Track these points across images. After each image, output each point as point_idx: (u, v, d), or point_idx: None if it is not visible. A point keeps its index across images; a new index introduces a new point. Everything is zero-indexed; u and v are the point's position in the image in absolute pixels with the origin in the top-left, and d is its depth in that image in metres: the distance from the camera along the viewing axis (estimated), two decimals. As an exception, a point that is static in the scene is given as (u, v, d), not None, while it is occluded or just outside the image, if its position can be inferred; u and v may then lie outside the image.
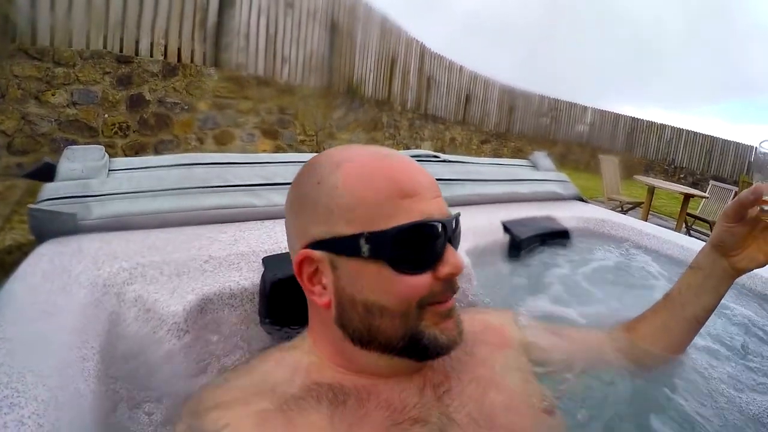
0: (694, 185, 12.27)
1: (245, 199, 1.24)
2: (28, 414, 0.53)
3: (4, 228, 2.99)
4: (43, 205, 1.02)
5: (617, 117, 15.87)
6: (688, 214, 6.57)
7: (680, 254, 1.58)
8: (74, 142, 4.51)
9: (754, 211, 0.73)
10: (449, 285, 0.66)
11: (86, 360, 0.68)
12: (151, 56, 5.37)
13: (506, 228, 1.49)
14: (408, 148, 6.12)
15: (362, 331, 0.66)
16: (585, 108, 15.57)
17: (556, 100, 15.11)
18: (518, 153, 12.94)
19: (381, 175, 0.65)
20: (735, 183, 10.94)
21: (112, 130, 5.04)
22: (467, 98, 12.27)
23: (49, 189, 1.07)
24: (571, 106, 15.33)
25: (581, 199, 2.07)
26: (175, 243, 1.01)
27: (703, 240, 0.94)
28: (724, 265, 0.79)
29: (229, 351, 0.87)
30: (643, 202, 6.75)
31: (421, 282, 0.63)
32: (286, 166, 1.39)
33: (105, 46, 4.98)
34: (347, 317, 0.67)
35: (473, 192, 1.73)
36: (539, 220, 1.62)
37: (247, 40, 6.31)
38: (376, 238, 0.62)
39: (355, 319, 0.66)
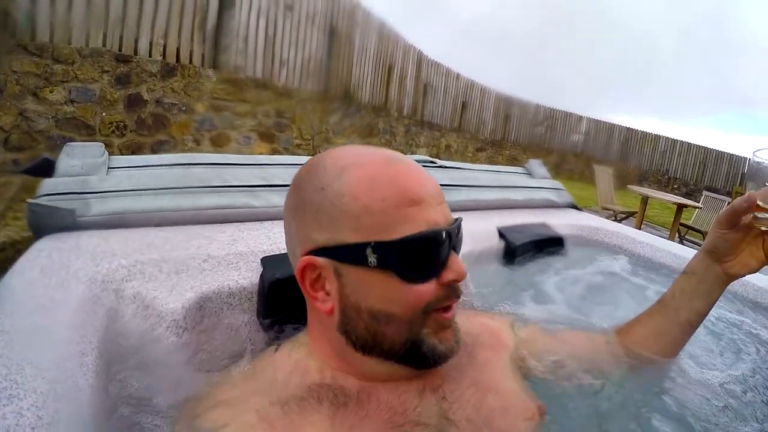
0: (687, 196, 12.34)
1: (244, 199, 1.24)
2: (26, 406, 0.53)
3: (-2, 224, 2.98)
4: (42, 200, 1.02)
5: (612, 127, 15.97)
6: (682, 224, 6.61)
7: (673, 262, 1.60)
8: (71, 140, 4.48)
9: (747, 218, 0.74)
10: (453, 290, 0.67)
11: (85, 355, 0.68)
12: (150, 56, 5.36)
13: (501, 234, 1.51)
14: (404, 155, 6.11)
15: (366, 338, 0.66)
16: (580, 117, 15.64)
17: (552, 110, 15.17)
18: (513, 161, 12.98)
19: (387, 182, 0.64)
20: (728, 194, 11.05)
21: (109, 128, 5.02)
22: (463, 106, 12.30)
23: (48, 184, 1.07)
24: (567, 115, 15.40)
25: (575, 207, 2.10)
26: (173, 242, 1.01)
27: (696, 249, 0.95)
28: (717, 270, 0.80)
29: (228, 349, 0.87)
30: (636, 212, 6.79)
31: (427, 289, 0.64)
32: (286, 168, 1.39)
33: (104, 44, 4.97)
34: (352, 324, 0.66)
35: (469, 198, 1.74)
36: (534, 226, 1.64)
37: (245, 43, 6.31)
38: (384, 248, 0.62)
39: (359, 327, 0.66)
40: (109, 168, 1.20)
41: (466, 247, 1.32)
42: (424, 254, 0.64)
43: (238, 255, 1.00)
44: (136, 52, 5.25)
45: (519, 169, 2.24)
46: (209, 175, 1.26)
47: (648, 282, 1.48)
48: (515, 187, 2.00)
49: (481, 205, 1.77)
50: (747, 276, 0.79)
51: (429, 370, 0.71)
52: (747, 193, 0.73)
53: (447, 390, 0.71)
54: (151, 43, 5.37)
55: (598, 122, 15.91)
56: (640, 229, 6.02)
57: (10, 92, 4.35)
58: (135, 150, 5.21)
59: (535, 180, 2.14)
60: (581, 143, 15.64)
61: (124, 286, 0.85)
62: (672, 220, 6.48)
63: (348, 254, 0.64)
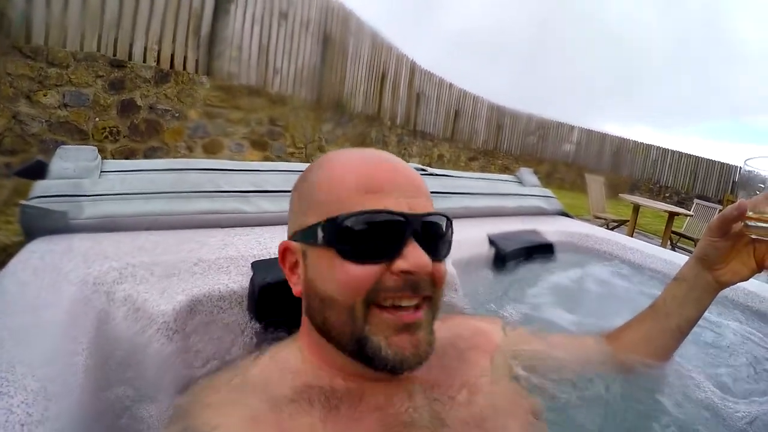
0: (679, 204, 12.44)
1: (235, 205, 1.25)
2: (17, 403, 0.54)
3: (-11, 228, 2.96)
4: (35, 202, 1.02)
5: (604, 137, 16.11)
6: (673, 232, 6.66)
7: (663, 268, 1.62)
8: (64, 144, 4.47)
9: (738, 226, 0.74)
10: (407, 284, 0.63)
11: (75, 354, 0.69)
12: (144, 61, 5.37)
13: (492, 241, 1.52)
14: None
15: (319, 324, 0.67)
16: (572, 127, 15.77)
17: (544, 119, 15.27)
18: (505, 171, 13.02)
19: (354, 173, 0.67)
20: (719, 202, 11.13)
21: (102, 134, 5.01)
22: (456, 115, 12.36)
23: (40, 186, 1.08)
24: (559, 125, 15.52)
25: (565, 214, 2.12)
26: (165, 245, 1.02)
27: (687, 256, 0.96)
28: (707, 278, 0.80)
29: (219, 352, 0.88)
30: (628, 221, 6.83)
31: (365, 272, 0.62)
32: (277, 174, 1.40)
33: (99, 48, 4.98)
34: (311, 308, 0.69)
35: (460, 205, 1.76)
36: (524, 233, 1.65)
37: (239, 50, 6.33)
38: (329, 225, 0.64)
39: (315, 310, 0.68)
40: (101, 172, 1.20)
41: (456, 253, 1.34)
42: (367, 234, 0.62)
43: (229, 259, 1.01)
44: (130, 57, 5.26)
45: (509, 177, 2.27)
46: (201, 180, 1.26)
47: (638, 287, 1.50)
48: (506, 194, 2.02)
49: (472, 212, 1.79)
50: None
51: (424, 367, 0.66)
52: (738, 202, 0.73)
53: (438, 391, 0.71)
54: (145, 49, 5.38)
55: (589, 132, 16.05)
56: (632, 237, 6.06)
57: (4, 94, 4.34)
58: (128, 156, 5.19)
59: (525, 188, 2.17)
60: (573, 153, 15.76)
61: (116, 289, 0.85)
62: (663, 228, 6.53)
63: (308, 234, 0.67)
